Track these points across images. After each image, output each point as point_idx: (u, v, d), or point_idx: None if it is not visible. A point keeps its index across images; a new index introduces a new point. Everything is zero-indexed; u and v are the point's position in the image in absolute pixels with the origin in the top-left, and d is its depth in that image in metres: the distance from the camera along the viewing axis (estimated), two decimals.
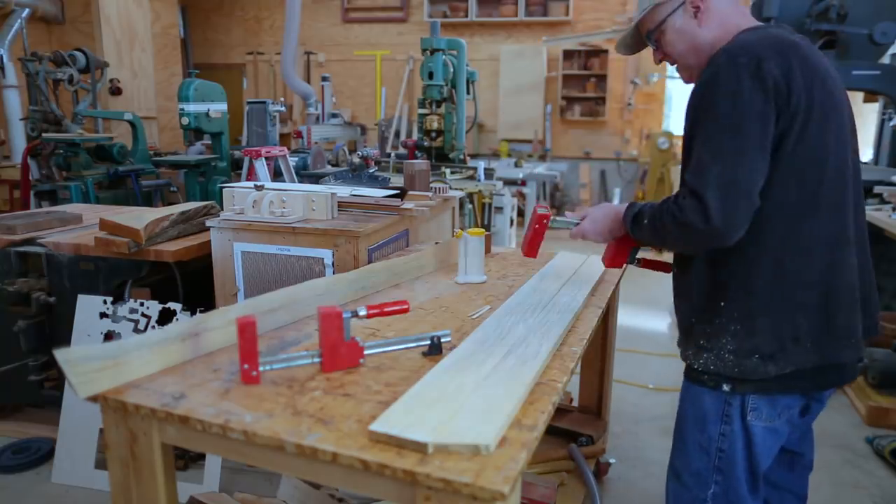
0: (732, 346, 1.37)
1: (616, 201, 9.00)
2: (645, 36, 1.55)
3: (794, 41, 1.36)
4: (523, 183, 6.18)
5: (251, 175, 3.70)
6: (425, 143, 4.97)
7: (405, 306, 1.42)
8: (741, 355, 1.36)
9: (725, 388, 1.40)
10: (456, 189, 3.50)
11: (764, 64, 1.27)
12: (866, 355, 3.33)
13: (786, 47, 1.32)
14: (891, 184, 3.96)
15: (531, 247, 1.84)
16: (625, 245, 1.69)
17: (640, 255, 1.72)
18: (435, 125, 4.88)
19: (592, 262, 2.26)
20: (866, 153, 6.49)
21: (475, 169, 4.75)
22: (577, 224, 1.68)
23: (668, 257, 1.67)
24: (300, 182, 3.91)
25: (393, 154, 5.57)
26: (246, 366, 1.21)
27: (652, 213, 1.43)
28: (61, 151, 4.33)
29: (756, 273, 1.34)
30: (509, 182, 5.79)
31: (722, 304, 1.38)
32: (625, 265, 1.76)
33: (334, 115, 6.82)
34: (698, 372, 1.44)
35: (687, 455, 1.51)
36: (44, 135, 4.55)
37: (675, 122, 8.96)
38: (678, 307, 1.53)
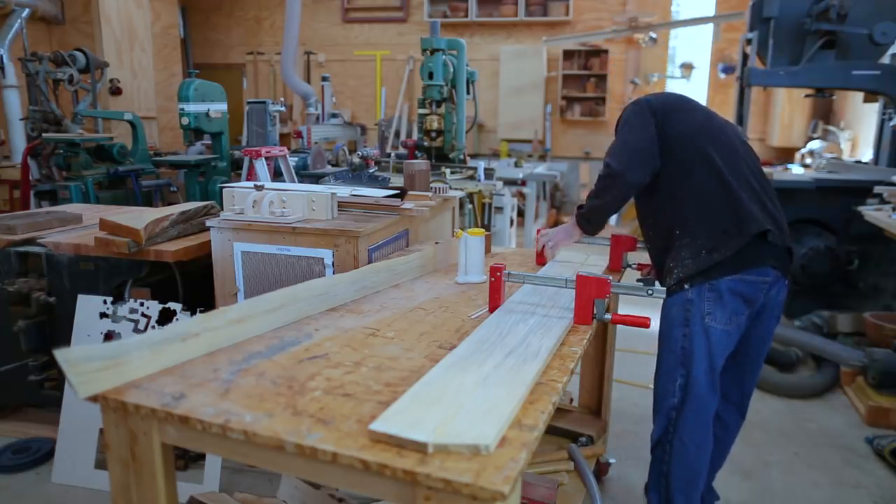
0: (688, 253, 1.92)
1: None
2: None
3: (672, 95, 2.17)
4: (523, 183, 6.18)
5: (251, 175, 3.70)
6: (425, 143, 4.97)
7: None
8: (695, 255, 1.90)
9: (686, 286, 1.92)
10: (456, 189, 3.50)
11: (642, 100, 2.10)
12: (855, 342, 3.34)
13: (662, 96, 2.14)
14: (891, 184, 3.96)
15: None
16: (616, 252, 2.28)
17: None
18: (435, 125, 4.88)
19: (593, 263, 2.26)
20: (866, 153, 6.49)
21: (475, 169, 4.75)
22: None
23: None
24: (300, 182, 3.91)
25: (393, 154, 5.57)
26: None
27: (588, 193, 2.13)
28: (61, 151, 4.33)
29: (684, 209, 1.97)
30: (509, 182, 5.79)
31: (677, 232, 1.97)
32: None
33: (334, 115, 6.82)
34: (671, 287, 1.95)
35: (661, 358, 2.04)
36: (44, 135, 4.54)
37: None
38: (657, 264, 2.10)
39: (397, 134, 9.06)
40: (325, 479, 1.05)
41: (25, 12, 6.63)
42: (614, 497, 2.57)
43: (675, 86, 8.89)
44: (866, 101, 5.22)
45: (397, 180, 3.79)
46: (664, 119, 2.00)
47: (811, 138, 7.86)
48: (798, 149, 7.83)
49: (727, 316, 1.91)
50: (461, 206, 4.01)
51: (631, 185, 1.99)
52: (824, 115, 8.03)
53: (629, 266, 2.30)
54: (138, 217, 2.58)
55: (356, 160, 4.88)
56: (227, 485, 2.43)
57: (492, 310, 1.69)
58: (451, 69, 4.84)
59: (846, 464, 2.83)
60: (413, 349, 1.44)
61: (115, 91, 6.69)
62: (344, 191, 2.64)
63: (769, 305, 2.00)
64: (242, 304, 1.48)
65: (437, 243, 2.34)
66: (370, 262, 2.26)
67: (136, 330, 2.48)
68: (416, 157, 4.90)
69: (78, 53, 5.21)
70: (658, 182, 2.01)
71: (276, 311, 1.54)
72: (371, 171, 4.62)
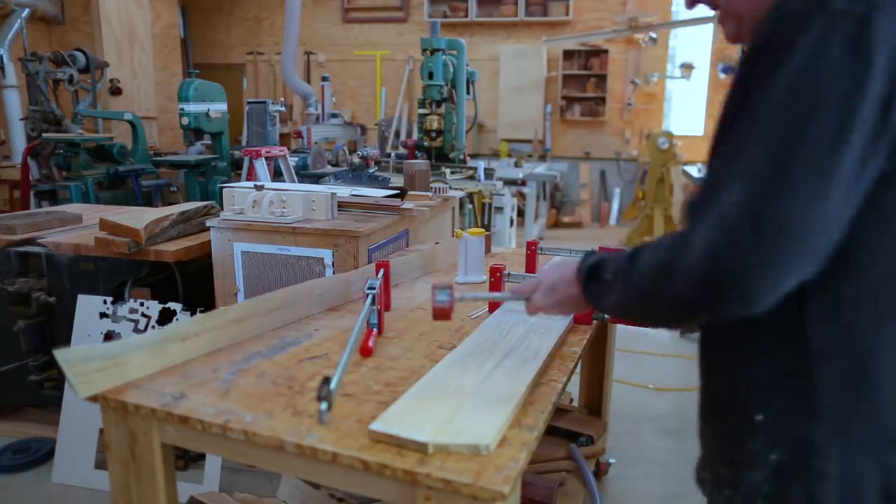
0: (769, 487, 0.86)
1: (616, 201, 9.01)
2: None
3: None
4: (523, 183, 6.18)
5: (251, 175, 3.70)
6: (425, 143, 4.97)
7: None
8: None
9: None
10: (456, 189, 3.50)
11: (875, 18, 0.73)
12: None
13: None
14: None
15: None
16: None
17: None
18: (435, 125, 4.88)
19: None
20: None
21: (475, 169, 4.75)
22: (527, 299, 1.16)
23: None
24: (300, 182, 3.91)
25: (393, 154, 5.57)
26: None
27: (626, 261, 0.91)
28: (61, 151, 4.33)
29: (823, 372, 0.82)
30: (509, 182, 5.79)
31: (758, 417, 0.87)
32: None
33: (334, 115, 6.82)
34: None
35: None
36: (44, 135, 4.55)
37: (674, 121, 8.96)
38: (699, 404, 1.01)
39: (397, 134, 9.05)
40: (325, 479, 1.05)
41: (25, 12, 6.63)
42: (614, 497, 2.57)
43: (675, 86, 8.89)
44: None
45: (397, 180, 3.79)
46: None
47: None
48: None
49: None
50: (461, 206, 4.01)
51: (741, 310, 0.79)
52: None
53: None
54: (138, 217, 2.58)
55: (356, 160, 4.88)
56: (227, 485, 2.42)
57: (492, 310, 1.69)
58: (451, 69, 4.84)
59: None
60: (413, 349, 1.44)
61: (115, 91, 6.69)
62: (344, 191, 2.64)
63: None
64: (242, 304, 1.48)
65: (437, 243, 2.34)
66: (370, 262, 2.26)
67: (136, 330, 2.48)
68: (416, 157, 4.90)
69: (78, 53, 5.21)
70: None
71: (276, 311, 1.54)
72: (371, 171, 4.62)
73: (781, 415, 0.85)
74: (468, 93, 5.18)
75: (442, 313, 1.20)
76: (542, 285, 1.12)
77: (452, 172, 4.71)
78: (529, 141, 9.00)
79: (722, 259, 0.75)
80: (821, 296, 0.81)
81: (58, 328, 2.70)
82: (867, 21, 0.72)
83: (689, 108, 8.94)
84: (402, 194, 2.61)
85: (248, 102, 5.11)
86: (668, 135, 8.12)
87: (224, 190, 2.52)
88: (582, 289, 1.01)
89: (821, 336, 0.82)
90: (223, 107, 4.39)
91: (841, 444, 0.82)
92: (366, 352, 1.39)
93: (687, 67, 8.75)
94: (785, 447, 0.85)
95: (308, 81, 9.28)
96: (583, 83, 9.00)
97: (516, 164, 6.83)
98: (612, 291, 0.94)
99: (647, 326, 1.08)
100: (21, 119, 6.01)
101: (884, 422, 0.82)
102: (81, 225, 2.91)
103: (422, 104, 4.92)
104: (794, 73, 0.74)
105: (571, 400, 2.98)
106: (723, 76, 8.60)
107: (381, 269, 1.61)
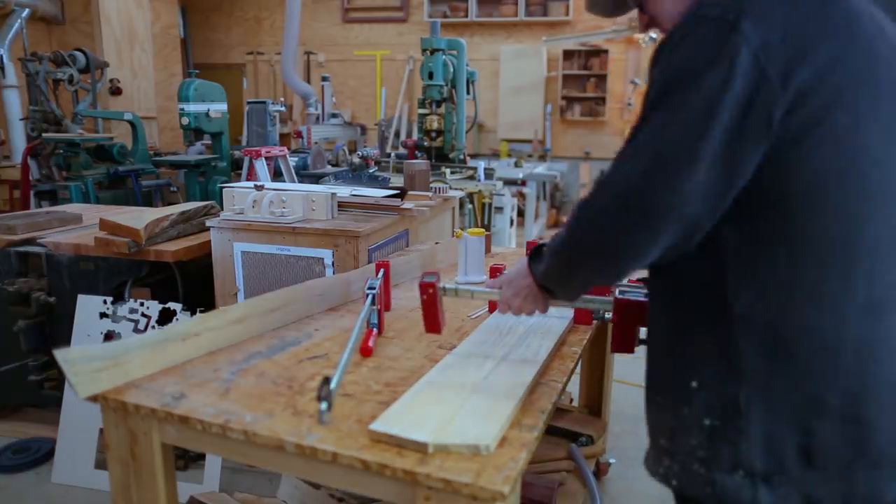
0: (704, 452, 0.92)
1: None
2: None
3: (822, 20, 0.86)
4: (523, 183, 6.18)
5: (251, 175, 3.70)
6: (425, 143, 4.97)
7: None
8: (718, 467, 0.91)
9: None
10: (456, 189, 3.50)
11: (743, 23, 0.83)
12: None
13: (790, 20, 0.84)
14: None
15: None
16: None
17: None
18: (435, 125, 4.88)
19: None
20: None
21: (475, 169, 4.75)
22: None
23: None
24: (300, 182, 3.91)
25: (393, 154, 5.57)
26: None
27: (554, 237, 1.05)
28: (61, 151, 4.33)
29: (744, 337, 0.89)
30: (509, 182, 5.78)
31: (693, 383, 0.94)
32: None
33: (334, 115, 6.82)
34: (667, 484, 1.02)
35: None
36: (44, 135, 4.55)
37: None
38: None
39: (397, 134, 9.05)
40: (325, 479, 1.05)
41: (25, 12, 6.63)
42: (614, 497, 2.57)
43: None
44: None
45: (397, 180, 3.79)
46: (807, 108, 0.84)
47: None
48: None
49: None
50: (461, 206, 4.01)
51: (632, 252, 0.91)
52: None
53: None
54: (138, 217, 2.58)
55: (356, 160, 4.88)
56: (227, 485, 2.42)
57: (491, 310, 1.69)
58: (451, 69, 4.84)
59: None
60: (413, 349, 1.44)
61: (115, 91, 6.69)
62: (344, 191, 2.65)
63: None
64: (242, 304, 1.48)
65: (437, 243, 2.34)
66: (370, 262, 2.26)
67: (136, 330, 2.48)
68: (416, 157, 4.90)
69: (78, 53, 5.21)
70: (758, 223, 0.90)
71: (276, 311, 1.54)
72: (371, 171, 4.62)
73: (713, 380, 0.92)
74: (468, 93, 5.18)
75: (430, 300, 1.27)
76: (505, 279, 1.23)
77: (452, 172, 4.71)
78: (529, 141, 9.00)
79: (609, 219, 0.91)
80: (741, 264, 0.90)
81: (58, 328, 2.69)
82: (736, 26, 0.83)
83: None
84: (402, 194, 2.61)
85: (248, 102, 5.11)
86: None
87: (224, 190, 2.52)
88: (529, 269, 1.14)
89: (742, 302, 0.89)
90: (223, 107, 4.40)
91: (764, 406, 0.89)
92: (366, 352, 1.39)
93: None
94: (716, 411, 0.92)
95: (308, 81, 9.28)
96: (583, 83, 8.99)
97: (516, 164, 6.82)
98: (543, 261, 1.09)
99: (565, 298, 1.18)
100: (21, 119, 6.01)
101: (802, 387, 0.88)
102: (81, 225, 2.90)
103: (422, 104, 4.92)
104: (673, 70, 0.88)
105: (571, 400, 2.98)
106: None
107: (381, 269, 1.61)
